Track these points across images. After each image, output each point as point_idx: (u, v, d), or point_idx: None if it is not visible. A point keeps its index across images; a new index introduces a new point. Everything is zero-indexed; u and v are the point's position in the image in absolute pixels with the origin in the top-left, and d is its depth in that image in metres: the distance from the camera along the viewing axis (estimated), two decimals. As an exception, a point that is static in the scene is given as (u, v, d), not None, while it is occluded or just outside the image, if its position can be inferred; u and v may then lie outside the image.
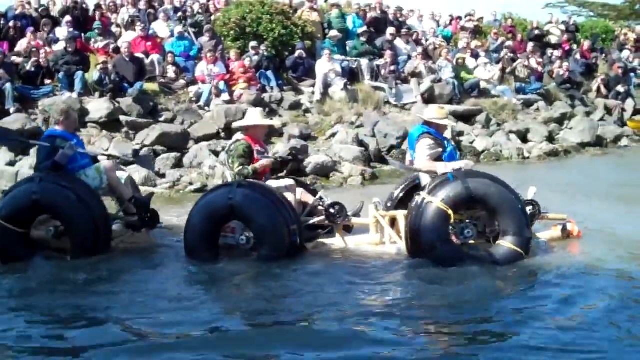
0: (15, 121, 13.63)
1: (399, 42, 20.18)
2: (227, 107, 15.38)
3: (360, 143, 15.12)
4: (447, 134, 8.29)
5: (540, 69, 22.08)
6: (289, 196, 7.80)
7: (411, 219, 7.44)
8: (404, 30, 20.75)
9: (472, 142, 16.76)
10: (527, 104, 20.16)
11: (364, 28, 19.73)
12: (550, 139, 18.24)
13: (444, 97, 18.51)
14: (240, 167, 7.78)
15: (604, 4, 50.33)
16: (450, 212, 7.20)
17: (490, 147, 16.58)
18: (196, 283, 7.03)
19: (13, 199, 7.64)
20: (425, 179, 7.90)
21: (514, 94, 20.24)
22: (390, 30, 20.15)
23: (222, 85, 16.00)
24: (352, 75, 18.36)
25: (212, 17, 19.15)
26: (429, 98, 18.23)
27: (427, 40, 21.29)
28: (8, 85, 14.22)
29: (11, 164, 12.74)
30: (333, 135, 15.57)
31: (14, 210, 7.53)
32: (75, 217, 7.48)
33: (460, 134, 16.85)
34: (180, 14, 19.07)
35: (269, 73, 17.06)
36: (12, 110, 14.10)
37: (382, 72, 18.48)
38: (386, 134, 15.64)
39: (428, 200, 7.29)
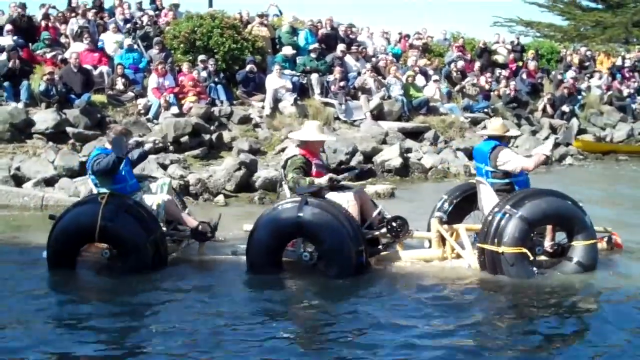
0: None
1: (349, 59, 20.32)
2: (176, 120, 15.29)
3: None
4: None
5: (488, 87, 22.45)
6: (351, 210, 7.62)
7: (489, 232, 7.42)
8: (354, 47, 20.90)
9: (420, 159, 16.89)
10: (475, 122, 20.44)
11: (315, 44, 19.82)
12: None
13: (392, 114, 18.69)
14: (296, 177, 7.69)
15: (550, 24, 51.34)
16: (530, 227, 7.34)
17: (437, 164, 16.74)
18: (255, 301, 6.89)
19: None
20: (489, 194, 7.97)
21: (462, 111, 20.52)
22: (341, 46, 20.28)
23: (171, 98, 15.90)
24: (302, 91, 18.42)
25: (162, 30, 19.05)
26: (378, 114, 18.39)
27: (376, 57, 21.45)
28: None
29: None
30: (282, 150, 15.53)
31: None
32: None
33: (409, 150, 16.99)
34: (129, 25, 18.91)
35: (219, 87, 17.03)
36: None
37: (332, 88, 18.58)
38: (335, 150, 15.68)
39: (510, 214, 7.33)
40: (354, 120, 18.20)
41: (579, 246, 7.48)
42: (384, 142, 17.31)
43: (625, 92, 27.60)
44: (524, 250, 7.22)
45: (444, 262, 7.94)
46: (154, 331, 5.89)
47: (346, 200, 7.72)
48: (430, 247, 8.23)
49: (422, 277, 7.49)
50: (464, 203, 8.72)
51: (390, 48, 23.31)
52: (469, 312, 6.45)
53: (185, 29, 18.04)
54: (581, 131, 22.73)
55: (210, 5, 24.57)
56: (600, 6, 50.80)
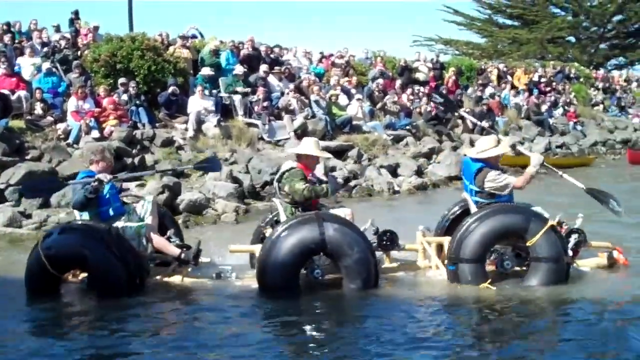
0: None
1: (272, 79, 20.38)
2: (97, 144, 15.04)
3: (234, 179, 15.09)
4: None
5: (409, 105, 22.82)
6: None
7: (453, 245, 7.72)
8: (276, 67, 20.97)
9: (344, 178, 17.01)
10: (397, 139, 20.75)
11: (238, 65, 19.82)
12: (419, 173, 18.78)
13: (316, 133, 18.77)
14: (311, 186, 7.74)
15: (469, 42, 52.59)
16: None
17: (361, 181, 16.90)
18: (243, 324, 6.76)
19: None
20: (472, 208, 8.16)
21: (385, 129, 20.78)
22: (263, 67, 20.33)
23: (92, 122, 15.67)
24: (225, 112, 18.38)
25: (81, 53, 18.78)
26: (302, 134, 18.46)
27: (299, 77, 21.58)
28: None
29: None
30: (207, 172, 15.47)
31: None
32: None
33: (333, 169, 17.10)
34: (47, 49, 18.57)
35: (141, 110, 16.84)
36: None
37: (256, 108, 18.60)
38: (260, 170, 15.68)
39: (472, 228, 7.57)
40: (278, 140, 18.25)
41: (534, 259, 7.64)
42: (308, 161, 17.36)
43: (543, 107, 28.47)
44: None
45: (430, 273, 8.27)
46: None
47: (344, 215, 7.92)
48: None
49: (404, 287, 7.73)
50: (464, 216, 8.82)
51: (313, 67, 23.48)
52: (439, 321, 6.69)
53: (105, 51, 17.81)
54: (500, 146, 23.24)
55: (131, 27, 24.37)
56: (516, 23, 52.33)
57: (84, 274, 7.94)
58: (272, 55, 22.00)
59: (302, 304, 7.24)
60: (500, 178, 8.03)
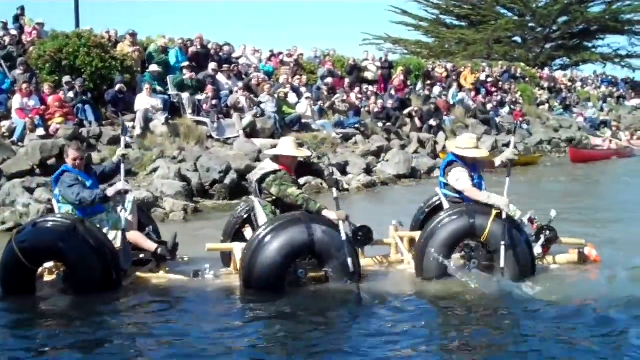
0: None
1: (221, 77, 20.29)
2: (42, 142, 14.82)
3: (183, 178, 15.01)
4: None
5: (358, 103, 22.94)
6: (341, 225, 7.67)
7: (421, 240, 7.85)
8: (225, 66, 20.88)
9: (293, 175, 17.03)
10: (346, 138, 20.86)
11: (186, 62, 19.70)
12: (368, 171, 18.90)
13: (265, 132, 18.80)
14: (307, 197, 7.70)
15: (417, 41, 53.04)
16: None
17: (311, 179, 16.91)
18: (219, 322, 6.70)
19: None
20: (446, 205, 8.25)
21: (333, 128, 20.85)
22: (212, 65, 20.24)
23: (37, 119, 15.42)
24: (173, 110, 18.26)
25: (26, 49, 18.46)
26: (251, 132, 18.45)
27: (248, 75, 21.53)
28: None
29: None
30: (154, 170, 15.35)
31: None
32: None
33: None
34: (-10, 45, 18.23)
35: (87, 107, 16.62)
36: None
37: (204, 106, 18.51)
38: (209, 169, 15.61)
39: (441, 224, 7.73)
40: (227, 139, 18.18)
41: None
42: (257, 159, 17.33)
43: (489, 105, 28.89)
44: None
45: (401, 267, 8.40)
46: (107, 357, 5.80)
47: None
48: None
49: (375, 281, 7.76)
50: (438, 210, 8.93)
51: (262, 66, 23.45)
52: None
53: (51, 48, 17.55)
54: (448, 144, 23.55)
55: (77, 24, 24.01)
56: (463, 24, 52.94)
57: (58, 271, 7.84)
58: (220, 54, 21.90)
59: (284, 301, 7.19)
60: (460, 179, 8.11)
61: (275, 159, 8.06)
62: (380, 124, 22.50)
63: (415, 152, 21.91)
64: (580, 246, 8.78)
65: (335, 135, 20.37)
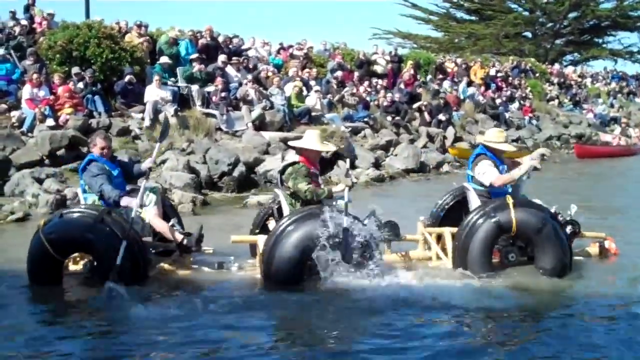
0: None
1: (230, 69, 20.28)
2: (51, 132, 14.84)
3: (191, 170, 15.00)
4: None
5: (367, 97, 22.91)
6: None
7: (463, 236, 7.83)
8: (235, 58, 20.87)
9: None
10: (355, 131, 20.82)
11: (196, 54, 19.69)
12: (377, 165, 18.88)
13: (274, 124, 18.78)
14: (312, 188, 7.66)
15: (427, 36, 52.94)
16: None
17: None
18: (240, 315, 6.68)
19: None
20: (474, 198, 8.29)
21: (343, 121, 20.82)
22: (222, 57, 20.23)
23: (46, 110, 15.44)
24: (182, 102, 18.26)
25: (36, 40, 18.49)
26: (260, 125, 18.43)
27: (258, 68, 21.51)
28: None
29: None
30: (163, 162, 15.35)
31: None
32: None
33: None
34: (1, 35, 18.24)
35: (97, 98, 16.64)
36: None
37: (213, 98, 18.49)
38: (217, 161, 15.60)
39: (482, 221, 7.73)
40: (236, 131, 18.17)
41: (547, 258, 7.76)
42: (266, 152, 17.38)
43: (498, 100, 28.82)
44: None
45: (429, 263, 8.35)
46: (133, 347, 5.78)
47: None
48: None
49: (406, 278, 7.64)
50: (459, 205, 9.01)
51: (271, 58, 23.43)
52: (443, 311, 6.70)
53: (61, 38, 17.56)
54: (457, 139, 23.53)
55: (88, 15, 24.05)
56: (473, 18, 52.80)
57: (84, 261, 7.88)
58: (230, 46, 21.89)
59: (305, 295, 7.19)
60: (486, 172, 8.19)
61: (299, 151, 8.06)
62: (389, 118, 22.47)
63: (424, 146, 21.87)
64: (601, 240, 8.96)
65: (345, 129, 20.33)
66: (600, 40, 53.73)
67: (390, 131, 21.81)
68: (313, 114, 20.15)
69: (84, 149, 14.91)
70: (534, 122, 29.46)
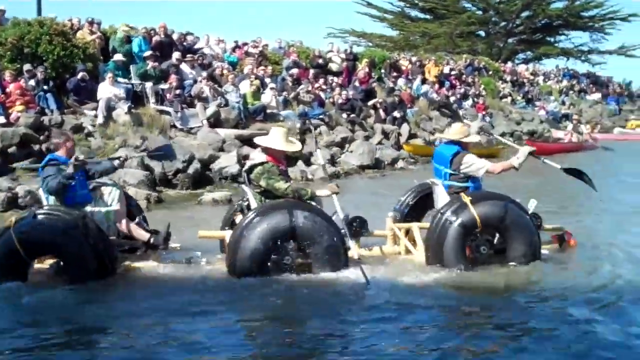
0: None
1: (185, 67, 20.17)
2: (2, 130, 14.59)
3: (146, 167, 14.89)
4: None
5: (322, 95, 22.97)
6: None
7: (433, 239, 7.96)
8: (189, 55, 20.76)
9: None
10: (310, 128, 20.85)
11: (150, 52, 19.54)
12: (332, 161, 18.94)
13: (229, 122, 18.73)
14: (295, 187, 7.80)
15: (382, 35, 53.24)
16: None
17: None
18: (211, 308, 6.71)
19: None
20: (442, 194, 8.45)
21: (298, 118, 20.85)
22: (176, 54, 20.10)
23: (-3, 107, 15.20)
24: (136, 99, 18.12)
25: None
26: (215, 122, 18.38)
27: (212, 66, 21.43)
28: None
29: None
30: (117, 159, 15.19)
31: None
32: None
33: (246, 157, 17.02)
34: (-51, 32, 17.90)
35: (49, 95, 16.40)
36: None
37: (168, 95, 18.38)
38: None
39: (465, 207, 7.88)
40: (191, 128, 18.10)
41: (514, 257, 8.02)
42: (221, 149, 17.34)
43: (452, 98, 29.11)
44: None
45: (398, 258, 8.46)
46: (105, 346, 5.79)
47: (325, 195, 8.11)
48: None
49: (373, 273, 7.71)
50: (422, 202, 9.28)
51: (227, 56, 23.37)
52: (417, 308, 6.76)
53: (12, 35, 17.30)
54: (412, 136, 23.73)
55: (39, 12, 23.72)
56: (427, 17, 53.26)
57: (51, 260, 7.78)
58: (184, 43, 21.77)
59: (270, 288, 7.21)
60: (477, 161, 8.38)
61: (265, 150, 8.04)
62: (344, 115, 22.56)
63: (379, 143, 22.03)
64: (560, 232, 9.21)
65: (300, 126, 20.36)
66: (552, 39, 54.59)
67: (346, 128, 21.91)
68: (268, 111, 20.14)
69: (36, 147, 14.74)
70: (487, 119, 29.79)
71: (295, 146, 8.35)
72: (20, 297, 7.01)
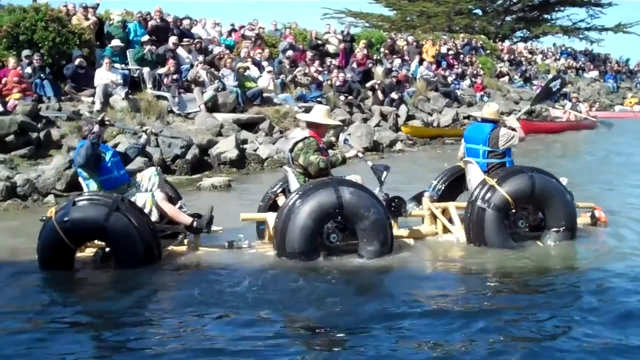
0: None
1: (181, 51, 20.10)
2: (0, 119, 14.60)
3: (144, 153, 14.85)
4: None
5: (319, 77, 22.91)
6: None
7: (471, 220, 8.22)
8: (185, 39, 20.68)
9: (255, 150, 17.04)
10: (308, 111, 20.71)
11: (147, 37, 19.46)
12: (330, 144, 18.90)
13: (227, 106, 18.70)
14: (326, 159, 7.96)
15: (379, 15, 52.93)
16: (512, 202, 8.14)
17: (273, 154, 16.93)
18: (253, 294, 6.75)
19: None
20: (476, 173, 8.65)
21: (296, 101, 20.81)
22: (173, 39, 20.01)
23: (-6, 95, 15.17)
24: (133, 84, 18.08)
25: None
26: (213, 107, 18.34)
27: (209, 49, 21.35)
28: None
29: None
30: (115, 145, 15.16)
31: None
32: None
33: (244, 142, 17.08)
34: (-55, 20, 17.82)
35: (46, 82, 16.36)
36: None
37: (165, 80, 18.34)
38: (170, 144, 15.53)
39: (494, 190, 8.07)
40: (188, 113, 18.06)
41: (553, 225, 8.28)
42: (219, 134, 17.32)
43: (450, 78, 29.02)
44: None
45: (436, 237, 8.70)
46: (149, 330, 5.87)
47: (355, 180, 8.12)
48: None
49: (416, 252, 7.94)
50: (454, 184, 9.50)
51: (223, 39, 23.28)
52: (457, 285, 6.98)
53: (8, 22, 17.23)
54: (410, 117, 23.69)
55: (34, -3, 23.58)
56: (424, -4, 52.85)
57: (94, 249, 7.90)
58: (181, 27, 21.68)
59: (319, 271, 7.30)
60: (509, 132, 8.74)
61: (308, 126, 8.35)
62: (342, 98, 22.50)
63: (378, 125, 21.99)
64: (591, 209, 9.45)
65: (298, 109, 20.30)
66: (549, 17, 54.31)
67: (344, 110, 21.85)
68: (265, 94, 20.09)
69: (34, 135, 14.72)
70: (485, 98, 29.68)
71: (336, 121, 8.64)
72: (68, 284, 7.18)
